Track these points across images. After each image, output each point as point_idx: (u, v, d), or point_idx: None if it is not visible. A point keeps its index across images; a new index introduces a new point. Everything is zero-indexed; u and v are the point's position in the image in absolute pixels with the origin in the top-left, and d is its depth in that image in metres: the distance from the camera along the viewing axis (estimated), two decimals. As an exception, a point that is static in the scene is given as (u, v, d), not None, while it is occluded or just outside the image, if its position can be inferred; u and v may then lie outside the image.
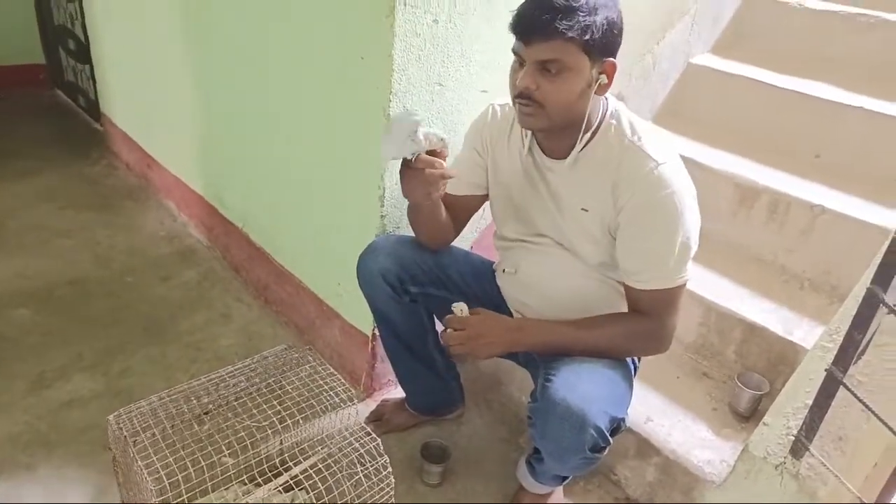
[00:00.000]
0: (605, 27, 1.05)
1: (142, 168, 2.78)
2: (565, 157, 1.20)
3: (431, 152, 1.15)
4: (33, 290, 2.03)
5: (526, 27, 1.06)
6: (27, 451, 1.48)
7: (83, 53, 3.05)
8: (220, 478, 1.04)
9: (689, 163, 1.84)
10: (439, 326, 1.46)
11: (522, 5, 1.08)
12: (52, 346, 1.80)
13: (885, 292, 1.00)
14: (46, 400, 1.63)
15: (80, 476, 1.41)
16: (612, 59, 1.10)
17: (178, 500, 0.92)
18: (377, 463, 1.03)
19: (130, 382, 1.70)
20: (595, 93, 1.11)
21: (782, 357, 1.51)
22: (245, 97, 1.91)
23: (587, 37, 1.04)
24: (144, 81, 2.53)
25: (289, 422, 1.03)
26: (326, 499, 1.03)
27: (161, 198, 2.65)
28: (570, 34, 1.03)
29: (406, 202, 1.28)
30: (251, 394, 1.09)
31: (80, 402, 1.62)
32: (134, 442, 0.97)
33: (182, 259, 2.29)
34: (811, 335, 1.48)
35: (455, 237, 1.42)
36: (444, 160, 1.17)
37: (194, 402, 1.06)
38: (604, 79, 1.10)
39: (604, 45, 1.07)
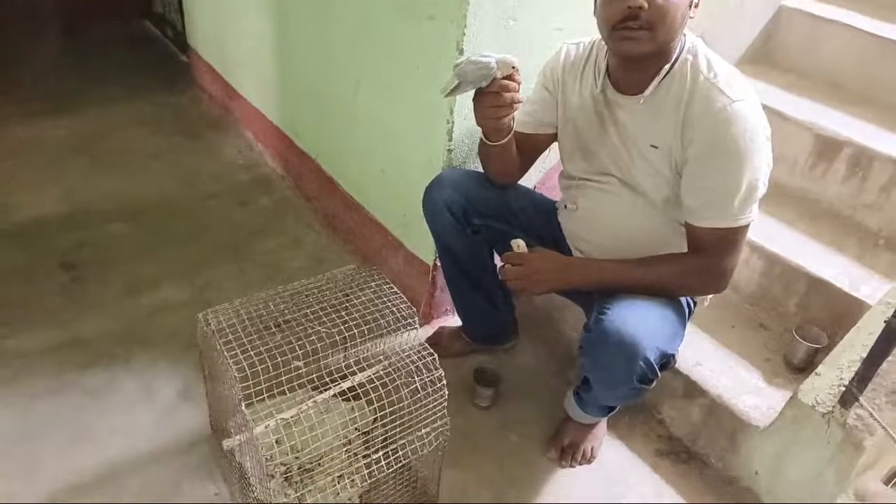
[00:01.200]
0: None
1: (224, 99, 2.91)
2: (639, 93, 1.20)
3: (505, 78, 1.17)
4: (126, 207, 2.22)
5: None
6: (124, 346, 1.66)
7: (171, -15, 3.17)
8: (292, 382, 1.15)
9: (769, 111, 1.77)
10: (499, 261, 1.51)
11: None
12: (144, 258, 1.98)
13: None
14: (140, 304, 1.81)
15: (170, 369, 1.59)
16: None
17: (258, 389, 1.03)
18: (433, 375, 1.11)
19: (213, 294, 1.85)
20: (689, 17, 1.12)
21: (846, 312, 1.48)
22: (321, 32, 1.96)
23: None
24: (228, 16, 2.62)
25: (355, 332, 1.13)
26: (385, 403, 1.13)
27: (241, 128, 2.78)
28: None
29: (474, 138, 1.32)
30: (323, 306, 1.18)
31: (170, 308, 1.80)
32: (220, 336, 1.09)
33: (258, 186, 2.42)
34: (878, 292, 1.45)
35: (522, 175, 1.46)
36: (518, 84, 1.19)
37: (272, 307, 1.17)
38: (696, 2, 1.11)
39: None
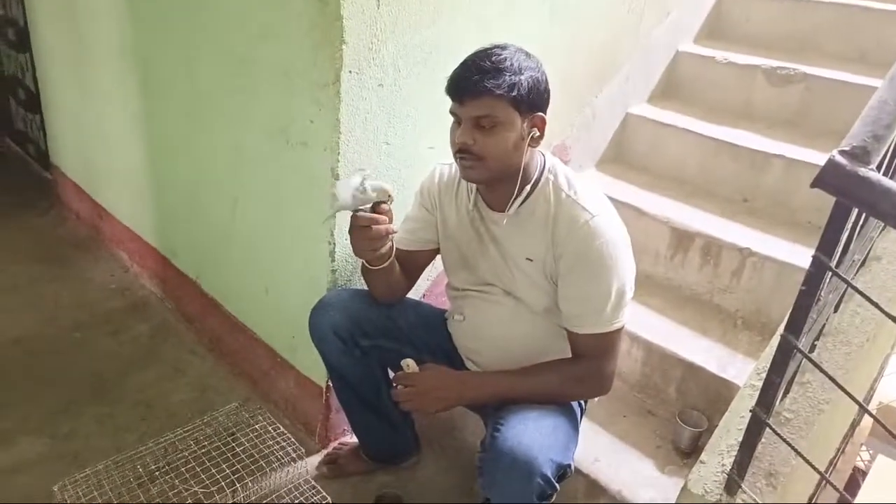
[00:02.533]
0: (530, 84, 1.16)
1: (92, 218, 2.74)
2: (507, 210, 1.27)
3: (378, 205, 1.20)
4: (-25, 350, 1.98)
5: (458, 88, 1.17)
6: (-33, 522, 1.44)
7: (33, 103, 3.02)
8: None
9: (629, 208, 1.96)
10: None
11: (455, 70, 1.19)
12: (-5, 410, 1.76)
13: (799, 337, 1.08)
14: (-11, 467, 1.58)
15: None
16: (541, 113, 1.20)
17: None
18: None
19: (77, 445, 1.66)
20: (529, 145, 1.21)
21: (718, 394, 1.59)
22: (194, 154, 1.93)
23: (514, 93, 1.14)
24: (95, 133, 2.53)
25: (237, 486, 1.04)
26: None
27: (113, 249, 2.62)
28: (498, 91, 1.13)
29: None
30: (200, 458, 1.09)
31: (26, 467, 1.58)
32: (80, 513, 0.97)
33: (133, 312, 2.26)
34: (744, 372, 1.57)
35: (408, 291, 1.47)
36: (391, 213, 1.23)
37: (140, 469, 1.06)
38: (535, 132, 1.20)
39: (531, 101, 1.17)
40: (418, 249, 1.42)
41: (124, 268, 2.52)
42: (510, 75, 1.13)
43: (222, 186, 1.85)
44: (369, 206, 1.20)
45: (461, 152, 1.19)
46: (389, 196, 1.21)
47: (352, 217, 1.21)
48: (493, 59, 1.14)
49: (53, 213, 2.91)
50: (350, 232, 1.23)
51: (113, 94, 2.26)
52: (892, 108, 0.91)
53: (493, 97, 1.13)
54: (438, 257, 1.48)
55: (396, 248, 1.36)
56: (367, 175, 1.18)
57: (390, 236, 1.24)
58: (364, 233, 1.20)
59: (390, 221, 1.24)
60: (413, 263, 1.44)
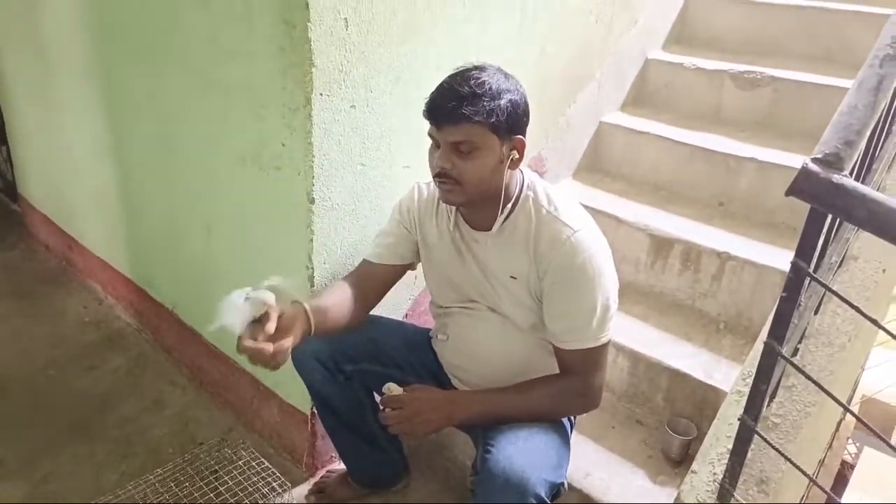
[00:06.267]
0: (509, 109, 1.14)
1: (63, 250, 2.68)
2: (489, 229, 1.26)
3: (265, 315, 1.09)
4: (-55, 393, 1.91)
5: (436, 114, 1.15)
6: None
7: (-3, 134, 2.96)
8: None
9: (608, 216, 1.96)
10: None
11: (433, 94, 1.17)
12: (-32, 455, 1.69)
13: (783, 343, 1.08)
14: (-39, 516, 1.52)
15: None
16: (520, 136, 1.19)
17: None
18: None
19: (56, 486, 1.61)
20: (508, 167, 1.20)
21: (706, 401, 1.59)
22: (166, 180, 1.90)
23: (493, 119, 1.13)
24: (63, 162, 2.47)
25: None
26: None
27: (84, 280, 2.56)
28: (476, 118, 1.12)
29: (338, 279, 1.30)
30: (181, 500, 1.06)
31: (0, 515, 1.53)
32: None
33: (109, 345, 2.20)
34: (729, 377, 1.57)
35: (373, 306, 1.41)
36: (273, 320, 1.10)
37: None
38: (515, 154, 1.19)
39: (510, 125, 1.15)
40: (390, 264, 1.38)
41: (98, 300, 2.45)
42: (488, 101, 1.12)
43: (196, 212, 1.81)
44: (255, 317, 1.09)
45: (439, 176, 1.18)
46: (268, 306, 1.09)
47: (237, 341, 1.08)
48: (472, 82, 1.12)
49: (22, 246, 2.83)
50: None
51: (80, 121, 2.22)
52: (861, 114, 0.92)
53: (471, 123, 1.12)
54: (420, 276, 1.46)
55: (368, 263, 1.36)
56: (248, 292, 1.08)
57: (280, 359, 1.10)
58: (252, 358, 1.10)
59: (281, 329, 1.11)
60: (386, 276, 1.39)
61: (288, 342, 1.11)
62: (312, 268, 1.47)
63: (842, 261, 1.46)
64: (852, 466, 3.73)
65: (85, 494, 1.54)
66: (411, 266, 1.43)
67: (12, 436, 1.76)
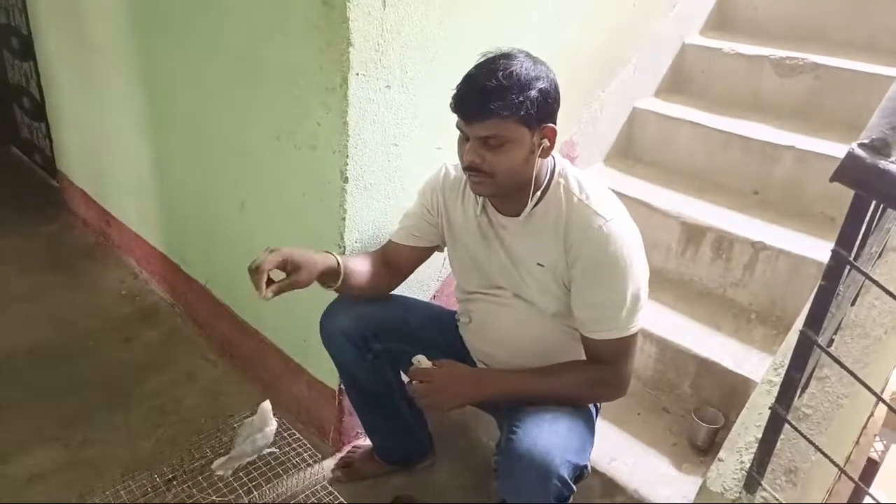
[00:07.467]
0: (538, 99, 1.11)
1: (100, 225, 2.75)
2: (518, 215, 1.25)
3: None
4: (-10, 360, 1.99)
5: (463, 109, 1.13)
6: (-15, 532, 1.44)
7: (38, 111, 3.03)
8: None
9: (640, 203, 1.94)
10: (406, 378, 1.48)
11: (459, 86, 1.14)
12: (11, 420, 1.76)
13: (819, 333, 1.07)
14: (7, 476, 1.58)
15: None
16: (551, 124, 1.16)
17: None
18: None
19: (93, 453, 1.66)
20: (539, 156, 1.18)
21: (734, 390, 1.57)
22: (202, 158, 1.93)
23: (522, 112, 1.10)
24: (101, 139, 2.53)
25: (254, 493, 1.04)
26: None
27: (121, 255, 2.62)
28: (504, 113, 1.09)
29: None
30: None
31: (42, 477, 1.59)
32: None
33: (144, 318, 2.26)
34: (760, 367, 1.56)
35: (397, 285, 1.44)
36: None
37: (157, 478, 1.06)
38: (546, 143, 1.16)
39: (540, 115, 1.13)
40: (413, 245, 1.39)
41: (133, 274, 2.52)
42: (517, 93, 1.09)
43: (230, 190, 1.84)
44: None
45: (471, 168, 1.16)
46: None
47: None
48: (499, 73, 1.09)
49: (61, 221, 2.91)
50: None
51: (118, 100, 2.26)
52: (911, 99, 0.89)
53: (499, 118, 1.10)
54: (446, 258, 1.47)
55: (392, 243, 1.38)
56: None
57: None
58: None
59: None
60: (405, 259, 1.41)
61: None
62: (344, 246, 1.49)
63: (881, 252, 1.43)
64: (878, 464, 3.66)
65: (121, 460, 1.59)
66: (437, 248, 1.43)
67: (51, 404, 1.83)
